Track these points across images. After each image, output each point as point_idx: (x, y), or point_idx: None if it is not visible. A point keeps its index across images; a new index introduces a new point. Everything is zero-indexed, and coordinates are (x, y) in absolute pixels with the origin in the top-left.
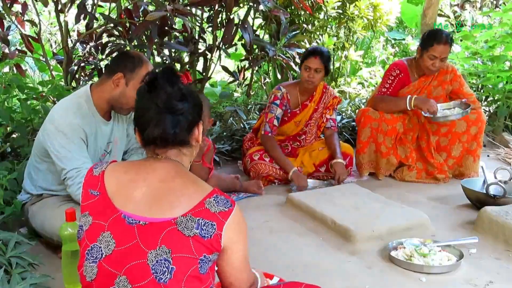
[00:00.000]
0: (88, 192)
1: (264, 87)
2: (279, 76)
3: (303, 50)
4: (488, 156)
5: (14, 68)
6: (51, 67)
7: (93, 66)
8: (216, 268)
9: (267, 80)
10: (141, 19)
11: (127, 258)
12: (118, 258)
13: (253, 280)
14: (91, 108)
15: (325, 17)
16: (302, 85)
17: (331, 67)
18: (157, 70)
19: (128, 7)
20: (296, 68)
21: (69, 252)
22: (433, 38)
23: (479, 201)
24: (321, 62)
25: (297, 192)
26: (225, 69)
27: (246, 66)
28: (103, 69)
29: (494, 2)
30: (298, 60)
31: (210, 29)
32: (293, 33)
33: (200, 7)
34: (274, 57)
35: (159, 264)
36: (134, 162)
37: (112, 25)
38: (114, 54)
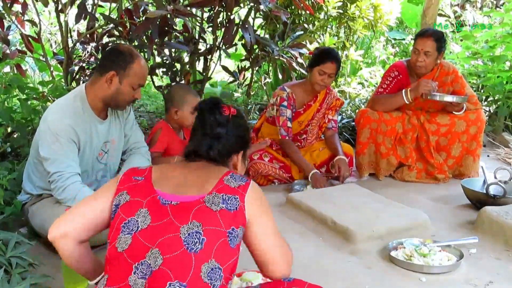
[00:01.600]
0: (131, 178)
1: (264, 87)
2: (279, 76)
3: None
4: (488, 156)
5: (14, 68)
6: (51, 67)
7: (93, 66)
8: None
9: (267, 80)
10: (141, 19)
11: (161, 232)
12: (153, 232)
13: (290, 261)
14: (86, 107)
15: (325, 17)
16: (309, 86)
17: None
18: (203, 101)
19: (129, 7)
20: (298, 68)
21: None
22: (418, 34)
23: (479, 201)
24: (336, 67)
25: (301, 190)
26: (225, 69)
27: (246, 66)
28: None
29: (495, 2)
30: (300, 60)
31: (210, 29)
32: (298, 33)
33: (200, 8)
34: (276, 57)
35: (191, 236)
36: (176, 163)
37: (112, 25)
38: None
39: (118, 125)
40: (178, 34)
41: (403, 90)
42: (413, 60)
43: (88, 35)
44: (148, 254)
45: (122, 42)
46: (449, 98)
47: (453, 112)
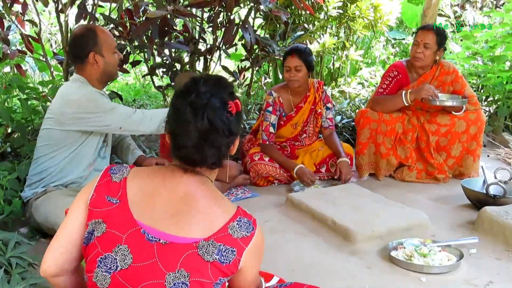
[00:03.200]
0: (104, 199)
1: (264, 87)
2: (280, 76)
3: None
4: (488, 156)
5: (14, 68)
6: (51, 67)
7: None
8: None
9: (267, 80)
10: (141, 19)
11: (144, 276)
12: (135, 275)
13: (258, 284)
14: (90, 85)
15: (326, 17)
16: (290, 86)
17: (313, 62)
18: (197, 82)
19: (129, 7)
20: None
21: None
22: (419, 28)
23: (479, 201)
24: (299, 59)
25: (301, 190)
26: (225, 69)
27: (246, 66)
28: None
29: (495, 2)
30: None
31: (210, 29)
32: (298, 33)
33: (200, 8)
34: (276, 57)
35: (176, 286)
36: (159, 170)
37: (112, 25)
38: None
39: None
40: (178, 34)
41: (403, 92)
42: (412, 52)
43: None
44: None
45: (122, 42)
46: (448, 103)
47: (453, 112)
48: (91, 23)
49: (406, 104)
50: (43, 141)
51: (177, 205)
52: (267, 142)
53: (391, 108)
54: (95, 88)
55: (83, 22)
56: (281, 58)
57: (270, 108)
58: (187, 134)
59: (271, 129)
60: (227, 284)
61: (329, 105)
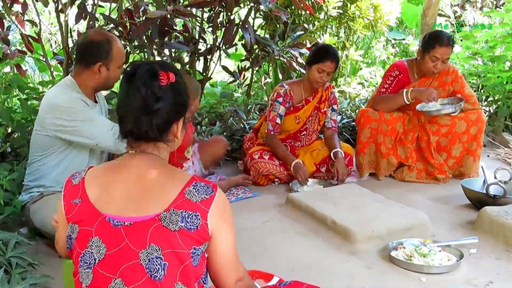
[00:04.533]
0: (71, 203)
1: (264, 87)
2: (280, 76)
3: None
4: (488, 156)
5: (14, 68)
6: (51, 67)
7: None
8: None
9: (267, 80)
10: (141, 19)
11: (120, 260)
12: (112, 261)
13: (242, 275)
14: (81, 94)
15: (325, 17)
16: (307, 83)
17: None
18: (137, 65)
19: (129, 7)
20: (298, 68)
21: (71, 265)
22: (435, 40)
23: (479, 201)
24: (335, 65)
25: (299, 189)
26: (225, 69)
27: (246, 66)
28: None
29: (495, 2)
30: (300, 60)
31: (210, 29)
32: (298, 33)
33: (200, 8)
34: (276, 57)
35: (152, 262)
36: (112, 163)
37: (112, 25)
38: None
39: (104, 102)
40: (178, 34)
41: (404, 90)
42: (429, 67)
43: None
44: (111, 285)
45: (122, 42)
46: (445, 111)
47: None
48: (102, 27)
49: (407, 102)
50: (34, 145)
51: (133, 188)
52: (272, 133)
53: (392, 106)
54: (84, 95)
55: (83, 22)
56: (282, 58)
57: (280, 99)
58: (124, 107)
59: (278, 120)
60: (206, 255)
61: (335, 106)
